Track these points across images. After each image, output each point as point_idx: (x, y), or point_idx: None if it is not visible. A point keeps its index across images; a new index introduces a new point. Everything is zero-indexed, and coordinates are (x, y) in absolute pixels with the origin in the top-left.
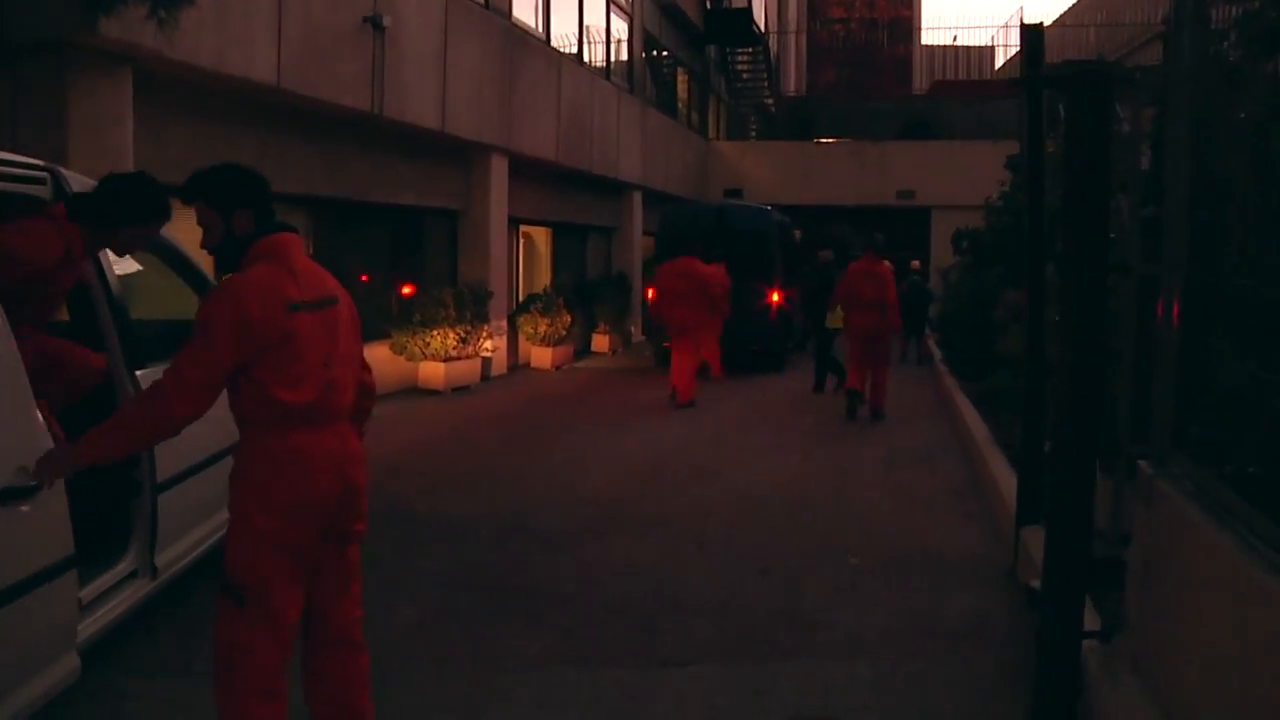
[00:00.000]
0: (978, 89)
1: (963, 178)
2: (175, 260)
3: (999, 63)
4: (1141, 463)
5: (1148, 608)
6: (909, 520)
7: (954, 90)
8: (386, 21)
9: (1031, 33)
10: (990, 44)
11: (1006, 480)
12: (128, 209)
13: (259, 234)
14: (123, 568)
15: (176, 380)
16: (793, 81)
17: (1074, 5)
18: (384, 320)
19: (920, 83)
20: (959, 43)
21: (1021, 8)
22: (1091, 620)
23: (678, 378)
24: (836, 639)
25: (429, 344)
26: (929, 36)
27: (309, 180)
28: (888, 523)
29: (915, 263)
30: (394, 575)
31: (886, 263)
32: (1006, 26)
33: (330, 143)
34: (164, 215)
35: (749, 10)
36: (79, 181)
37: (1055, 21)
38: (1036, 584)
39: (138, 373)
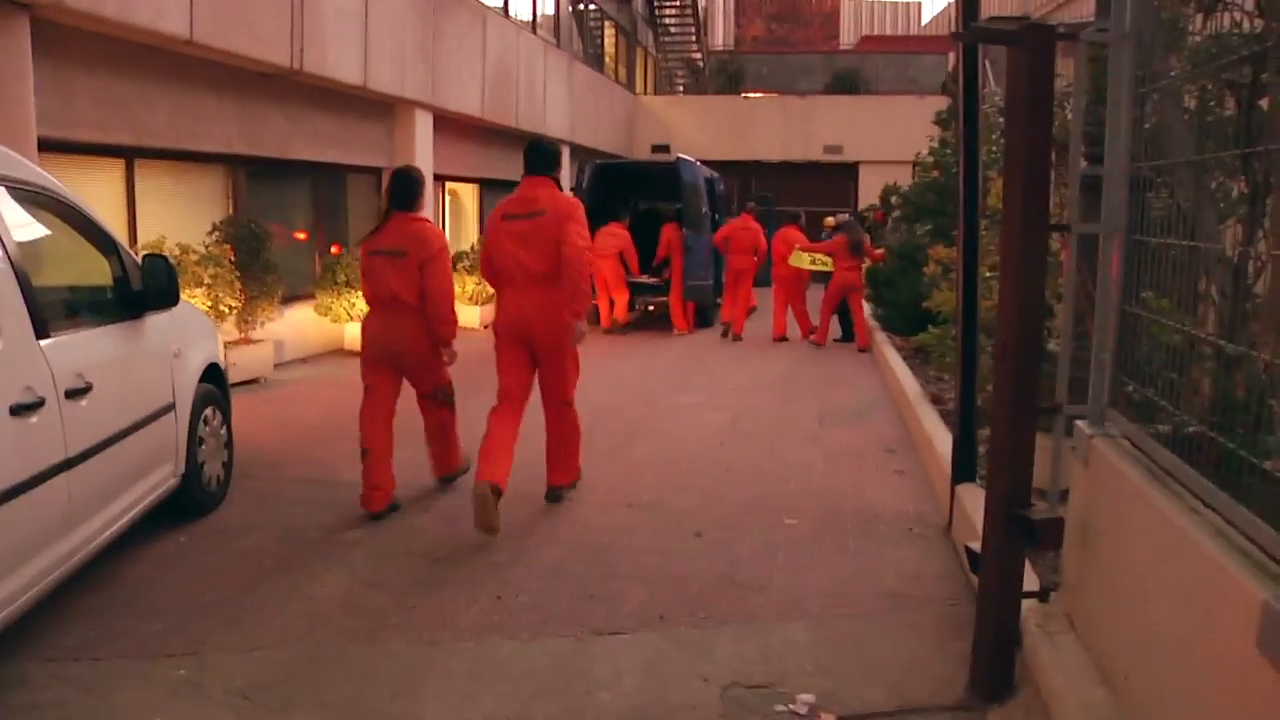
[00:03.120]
0: (905, 44)
1: (890, 133)
2: (79, 221)
3: (925, 18)
4: (1079, 422)
5: (1084, 566)
6: (844, 478)
7: (882, 45)
8: None
9: None
10: None
11: (939, 436)
12: None
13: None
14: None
15: None
16: (720, 36)
17: None
18: (308, 282)
19: (848, 37)
20: None
21: None
22: (1029, 579)
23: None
24: (773, 602)
25: (354, 305)
26: None
27: (226, 138)
28: (822, 481)
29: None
30: (320, 542)
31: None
32: None
33: (248, 99)
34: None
35: None
36: None
37: None
38: (975, 545)
39: (42, 343)
